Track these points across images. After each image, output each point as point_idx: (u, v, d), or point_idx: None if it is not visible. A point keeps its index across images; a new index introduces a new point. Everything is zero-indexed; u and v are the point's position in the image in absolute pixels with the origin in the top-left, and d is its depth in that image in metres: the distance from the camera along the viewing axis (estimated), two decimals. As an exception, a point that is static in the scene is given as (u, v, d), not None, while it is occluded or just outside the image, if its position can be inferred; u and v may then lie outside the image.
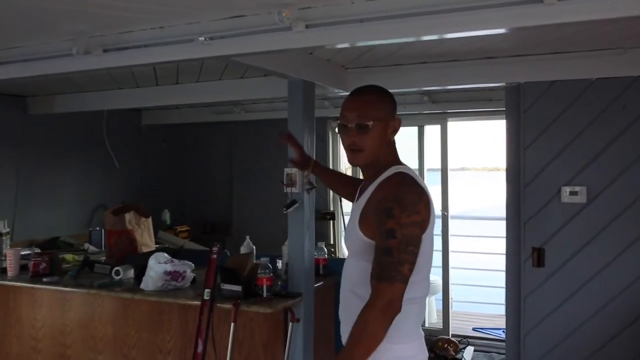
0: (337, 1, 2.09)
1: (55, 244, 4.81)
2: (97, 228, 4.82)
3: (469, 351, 5.11)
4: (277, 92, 3.56)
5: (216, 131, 6.27)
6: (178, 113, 5.81)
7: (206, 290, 3.00)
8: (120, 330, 3.50)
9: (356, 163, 1.82)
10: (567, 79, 3.25)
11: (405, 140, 5.53)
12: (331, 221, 5.79)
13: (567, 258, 3.30)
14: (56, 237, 4.88)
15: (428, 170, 5.60)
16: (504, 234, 6.31)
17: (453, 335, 5.33)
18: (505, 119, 3.55)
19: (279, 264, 3.55)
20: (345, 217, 5.63)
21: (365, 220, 1.72)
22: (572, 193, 3.27)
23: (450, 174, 5.42)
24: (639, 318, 3.18)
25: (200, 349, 2.90)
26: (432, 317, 5.85)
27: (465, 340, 5.27)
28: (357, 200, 1.88)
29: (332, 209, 5.81)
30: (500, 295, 6.62)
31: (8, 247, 4.12)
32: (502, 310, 6.28)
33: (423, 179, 5.96)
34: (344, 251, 5.68)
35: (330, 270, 3.67)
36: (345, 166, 5.81)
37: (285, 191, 3.18)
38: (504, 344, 4.36)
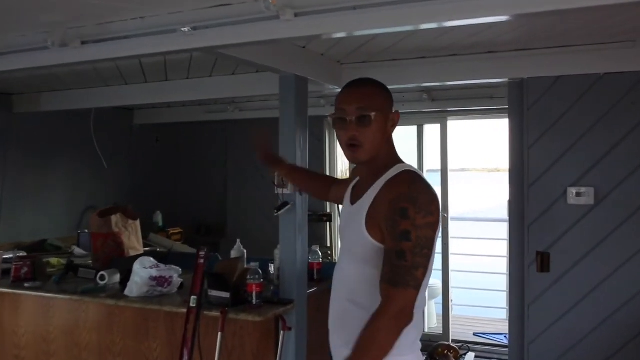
0: (328, -13, 1.95)
1: (42, 247, 4.70)
2: (86, 230, 4.68)
3: (470, 357, 5.00)
4: (270, 89, 3.42)
5: (210, 130, 6.17)
6: (171, 112, 5.71)
7: (192, 297, 2.85)
8: (105, 338, 3.38)
9: (358, 160, 1.69)
10: (573, 74, 3.12)
11: (404, 139, 5.43)
12: (328, 223, 5.64)
13: (573, 263, 3.16)
14: (44, 240, 4.77)
15: (428, 171, 5.48)
16: (506, 236, 6.29)
17: (453, 341, 5.21)
18: (508, 117, 3.42)
19: (272, 268, 3.40)
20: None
21: (373, 223, 1.60)
22: (579, 194, 3.14)
23: (450, 174, 5.31)
24: (650, 327, 3.03)
25: (185, 359, 2.75)
26: (432, 321, 5.73)
27: (466, 346, 5.15)
28: (353, 201, 1.75)
29: (328, 210, 5.66)
30: (501, 299, 6.62)
31: (-9, 250, 3.97)
32: (503, 314, 6.25)
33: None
34: (341, 254, 5.51)
35: (325, 274, 3.50)
36: (344, 167, 5.67)
37: (276, 192, 3.04)
38: (506, 349, 4.24)
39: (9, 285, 3.53)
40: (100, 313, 3.40)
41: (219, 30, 2.23)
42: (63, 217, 5.12)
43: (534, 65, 3.15)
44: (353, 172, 2.02)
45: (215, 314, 2.85)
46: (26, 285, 3.48)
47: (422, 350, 1.73)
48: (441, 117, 5.13)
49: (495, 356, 5.04)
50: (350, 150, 1.66)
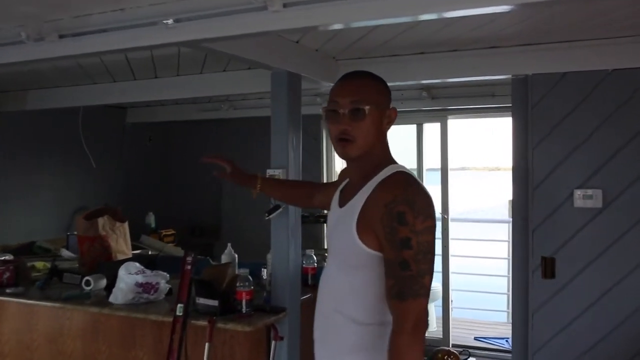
0: (319, -26, 1.81)
1: (31, 249, 4.60)
2: (75, 232, 4.55)
3: (471, 363, 4.86)
4: (263, 86, 3.29)
5: (204, 129, 6.08)
6: (164, 111, 5.63)
7: (179, 305, 2.72)
8: (90, 346, 3.24)
9: (348, 156, 1.58)
10: (580, 70, 2.98)
11: (403, 139, 5.31)
12: (325, 224, 5.50)
13: (580, 269, 3.02)
14: (32, 242, 4.68)
15: (427, 170, 5.38)
16: (507, 238, 6.22)
17: (453, 346, 5.12)
18: (512, 116, 3.28)
19: (264, 273, 3.27)
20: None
21: (366, 228, 1.49)
22: (586, 197, 3.00)
23: (450, 173, 5.22)
24: (661, 335, 2.89)
25: (171, 371, 2.62)
26: (432, 325, 5.60)
27: (467, 351, 5.06)
28: (342, 203, 1.64)
29: (325, 211, 5.52)
30: (502, 302, 6.53)
31: (-24, 253, 3.84)
32: (504, 317, 6.15)
33: (422, 181, 5.65)
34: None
35: (320, 279, 3.37)
36: (342, 167, 5.53)
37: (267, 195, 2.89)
38: (508, 355, 4.12)
39: (-10, 290, 3.40)
40: (86, 320, 3.26)
41: (203, 22, 2.09)
42: (53, 219, 5.03)
43: (538, 61, 3.02)
44: (342, 174, 1.91)
45: (203, 323, 2.71)
46: (8, 291, 3.36)
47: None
48: (441, 116, 5.05)
49: (497, 361, 4.93)
50: (341, 145, 1.56)
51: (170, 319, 2.76)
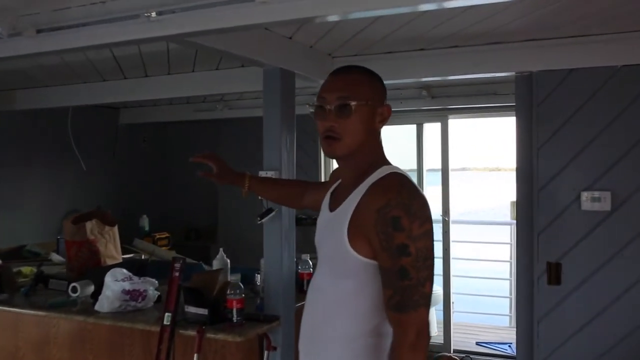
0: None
1: (20, 253, 4.50)
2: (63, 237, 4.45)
3: (472, 370, 4.75)
4: (257, 84, 3.16)
5: (200, 130, 6.00)
6: (158, 111, 5.54)
7: (166, 314, 2.59)
8: (77, 355, 3.12)
9: (334, 154, 1.49)
10: (587, 66, 2.87)
11: (402, 139, 5.20)
12: (322, 227, 5.38)
13: (587, 275, 2.91)
14: (22, 246, 4.58)
15: (428, 170, 5.28)
16: (509, 240, 6.11)
17: (454, 351, 5.05)
18: (515, 115, 3.16)
19: (259, 279, 3.14)
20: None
21: (357, 233, 1.39)
22: (594, 199, 2.88)
23: (450, 174, 5.11)
24: (672, 344, 2.76)
25: (158, 384, 2.49)
26: (432, 329, 5.49)
27: (468, 356, 4.95)
28: (333, 207, 1.53)
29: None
30: (504, 305, 6.42)
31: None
32: (506, 321, 6.04)
33: (422, 181, 5.46)
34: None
35: (308, 288, 3.24)
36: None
37: (260, 197, 2.76)
38: (511, 361, 4.01)
39: (-27, 297, 3.28)
40: (72, 329, 3.14)
41: (188, 15, 1.97)
42: (43, 222, 4.94)
43: (543, 58, 2.91)
44: (333, 174, 1.78)
45: (192, 333, 2.58)
46: (-8, 298, 3.23)
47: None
48: (442, 116, 4.95)
49: (500, 368, 4.83)
50: (327, 142, 1.47)
51: (158, 329, 2.63)
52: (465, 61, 3.03)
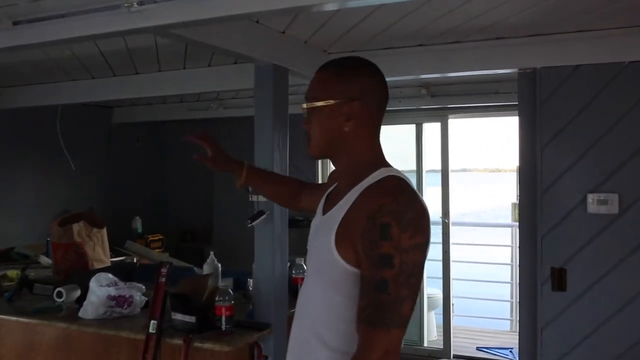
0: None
1: (9, 255, 4.38)
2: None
3: (473, 377, 4.64)
4: (251, 82, 3.05)
5: (195, 129, 5.76)
6: (152, 110, 5.44)
7: (152, 321, 2.47)
8: (62, 363, 3.00)
9: (309, 155, 1.46)
10: (593, 62, 2.77)
11: (401, 139, 5.11)
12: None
13: (593, 281, 2.79)
14: (11, 248, 4.46)
15: (427, 171, 5.19)
16: (510, 242, 6.01)
17: (455, 357, 4.97)
18: (518, 113, 3.05)
19: (251, 284, 3.02)
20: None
21: (346, 240, 1.28)
22: (601, 202, 2.77)
23: (450, 174, 5.02)
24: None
25: (143, 395, 2.37)
26: (432, 334, 5.40)
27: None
28: (325, 210, 1.43)
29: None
30: (505, 309, 6.33)
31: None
32: (507, 325, 5.94)
33: (421, 182, 5.29)
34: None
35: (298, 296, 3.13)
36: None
37: (250, 199, 2.65)
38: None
39: (-46, 302, 3.17)
40: (57, 336, 3.01)
41: (170, 5, 1.86)
42: (33, 223, 4.80)
43: (548, 53, 2.80)
44: (331, 176, 1.69)
45: (179, 342, 2.46)
46: (-27, 303, 3.12)
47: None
48: (442, 115, 4.87)
49: (501, 375, 4.73)
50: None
51: (144, 337, 2.52)
52: (465, 57, 2.92)
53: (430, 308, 5.31)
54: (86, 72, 3.68)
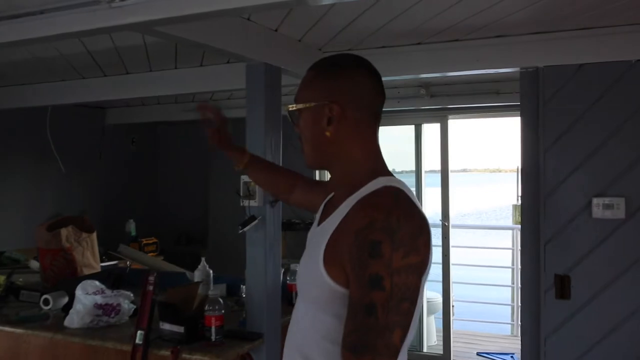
0: None
1: (-1, 260, 4.27)
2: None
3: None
4: (244, 82, 2.95)
5: (190, 131, 5.77)
6: (147, 111, 5.33)
7: (139, 331, 2.37)
8: (49, 373, 2.89)
9: (305, 164, 1.35)
10: (599, 61, 2.64)
11: (401, 140, 5.01)
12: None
13: (599, 289, 2.66)
14: (1, 252, 4.36)
15: (427, 172, 5.07)
16: (511, 245, 5.91)
17: None
18: (520, 114, 2.93)
19: (244, 290, 2.92)
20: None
21: (334, 257, 1.16)
22: (607, 206, 2.64)
23: (450, 175, 4.90)
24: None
25: (129, 409, 2.27)
26: (432, 338, 5.30)
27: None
28: (321, 220, 1.31)
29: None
30: (506, 313, 6.24)
31: None
32: (508, 329, 5.85)
33: (420, 183, 5.14)
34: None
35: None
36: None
37: (241, 204, 2.55)
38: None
39: (-63, 310, 3.06)
40: (44, 345, 2.90)
41: (153, 0, 1.74)
42: (25, 227, 4.67)
43: (551, 52, 2.68)
44: (330, 182, 1.55)
45: (167, 353, 2.36)
46: (-43, 310, 3.02)
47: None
48: (441, 116, 4.77)
49: (502, 380, 4.63)
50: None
51: (130, 347, 2.42)
52: (465, 56, 2.81)
53: (430, 312, 5.21)
54: (75, 73, 3.57)
